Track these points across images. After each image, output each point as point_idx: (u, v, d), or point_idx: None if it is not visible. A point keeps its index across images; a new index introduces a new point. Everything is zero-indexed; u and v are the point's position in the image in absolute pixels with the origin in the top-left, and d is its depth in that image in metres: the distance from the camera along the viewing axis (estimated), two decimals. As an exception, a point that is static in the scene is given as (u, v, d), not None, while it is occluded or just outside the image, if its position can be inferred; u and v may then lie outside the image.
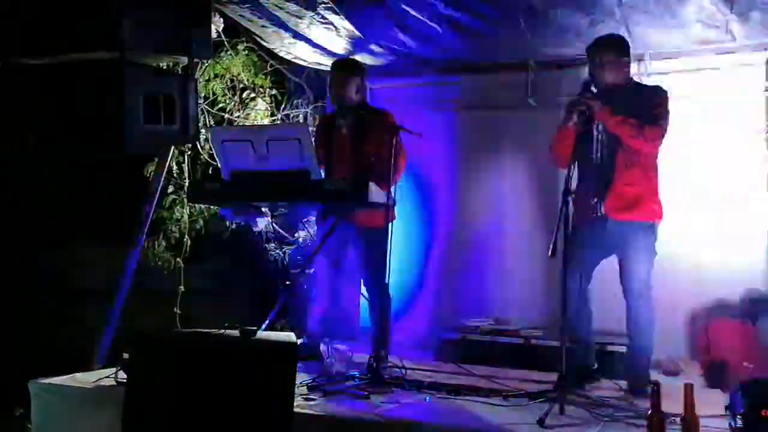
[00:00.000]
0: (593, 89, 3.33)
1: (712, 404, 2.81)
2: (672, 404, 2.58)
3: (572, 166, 3.17)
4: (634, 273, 3.30)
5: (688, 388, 2.38)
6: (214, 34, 4.06)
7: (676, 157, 4.11)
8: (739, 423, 2.45)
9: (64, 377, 3.27)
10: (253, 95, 4.78)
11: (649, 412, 2.45)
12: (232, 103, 4.72)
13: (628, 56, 3.39)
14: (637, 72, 4.20)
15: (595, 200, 3.27)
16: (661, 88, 3.46)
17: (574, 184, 3.14)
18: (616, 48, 3.36)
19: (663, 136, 3.30)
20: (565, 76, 4.19)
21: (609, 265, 3.42)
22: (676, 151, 4.08)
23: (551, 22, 3.88)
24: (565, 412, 2.82)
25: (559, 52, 4.12)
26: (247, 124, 4.69)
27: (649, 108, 3.29)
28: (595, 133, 3.31)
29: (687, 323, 3.98)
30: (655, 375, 3.36)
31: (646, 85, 3.48)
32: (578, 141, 3.22)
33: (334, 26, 4.22)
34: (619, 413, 2.86)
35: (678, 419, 2.45)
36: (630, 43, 3.50)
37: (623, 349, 3.55)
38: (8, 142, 2.83)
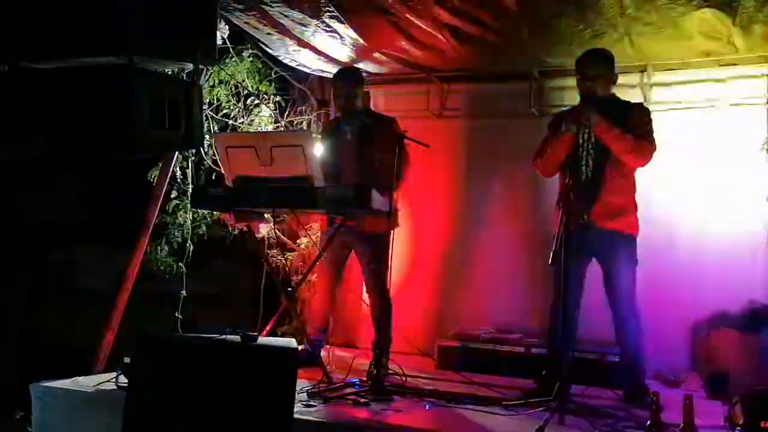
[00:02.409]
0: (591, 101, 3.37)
1: (712, 415, 2.81)
2: (672, 415, 2.58)
3: (567, 176, 3.21)
4: (619, 282, 3.35)
5: (688, 399, 2.39)
6: (219, 41, 4.08)
7: (678, 168, 4.13)
8: (739, 434, 2.45)
9: (66, 380, 3.28)
10: (257, 102, 4.80)
11: (648, 422, 2.45)
12: (237, 110, 4.74)
13: (614, 71, 3.42)
14: (639, 83, 4.24)
15: (582, 208, 3.30)
16: (644, 105, 3.50)
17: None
18: (605, 62, 3.39)
19: (654, 152, 3.35)
20: (568, 86, 4.21)
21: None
22: (677, 163, 4.11)
23: (554, 32, 3.90)
24: (564, 421, 2.82)
25: (562, 62, 4.14)
26: (251, 130, 4.71)
27: (637, 124, 3.35)
28: (583, 142, 3.34)
29: (688, 334, 3.98)
30: (655, 386, 3.36)
31: (629, 101, 3.52)
32: (570, 151, 3.27)
33: (339, 34, 4.25)
34: (618, 423, 2.86)
35: (677, 430, 2.45)
36: (633, 55, 3.52)
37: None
38: (17, 144, 2.85)
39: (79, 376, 3.40)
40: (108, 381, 3.21)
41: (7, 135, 2.87)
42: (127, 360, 2.95)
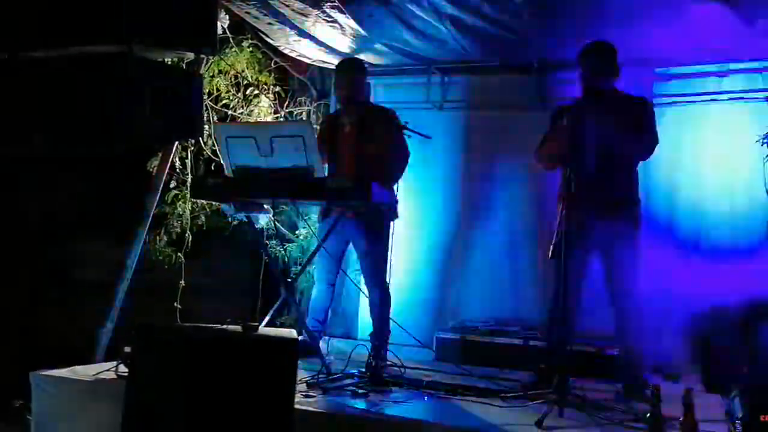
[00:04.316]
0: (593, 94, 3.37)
1: (711, 409, 2.82)
2: (671, 408, 2.58)
3: (569, 169, 3.20)
4: (620, 275, 3.35)
5: (688, 393, 2.39)
6: (219, 31, 4.06)
7: (679, 162, 4.13)
8: (739, 428, 2.45)
9: (65, 370, 3.27)
10: (256, 92, 4.78)
11: (648, 415, 2.46)
12: (236, 100, 4.72)
13: (617, 63, 3.40)
14: (641, 76, 4.22)
15: (584, 201, 3.29)
16: (646, 98, 3.50)
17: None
18: (608, 54, 3.38)
19: (656, 145, 3.36)
20: (570, 79, 4.19)
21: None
22: (678, 156, 4.11)
23: (556, 25, 3.89)
24: (563, 414, 2.82)
25: (564, 54, 4.12)
26: (250, 121, 4.69)
27: (640, 117, 3.35)
28: (585, 136, 3.34)
29: (688, 328, 3.99)
30: (654, 379, 3.37)
31: (631, 95, 3.51)
32: (571, 143, 3.27)
33: (339, 25, 4.22)
34: (617, 416, 2.86)
35: (677, 423, 2.46)
36: (636, 48, 3.51)
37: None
38: (15, 142, 2.83)
39: (79, 365, 3.39)
40: (108, 370, 3.21)
41: (6, 128, 2.85)
42: (127, 349, 2.95)
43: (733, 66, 4.07)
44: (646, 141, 3.32)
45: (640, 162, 3.43)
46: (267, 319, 3.68)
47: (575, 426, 2.75)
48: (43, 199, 4.75)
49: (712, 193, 4.07)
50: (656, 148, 3.37)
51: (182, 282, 4.42)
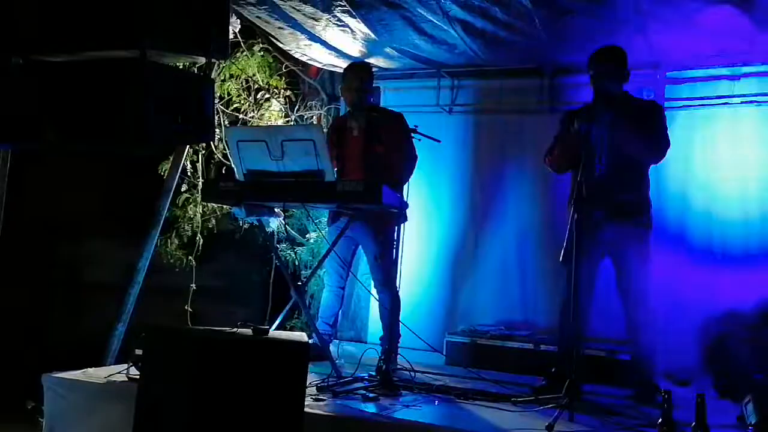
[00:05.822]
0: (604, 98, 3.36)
1: (723, 414, 2.80)
2: (683, 413, 2.57)
3: (580, 173, 3.20)
4: (632, 280, 3.34)
5: (700, 398, 2.37)
6: (230, 35, 4.09)
7: (690, 165, 4.11)
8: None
9: (77, 372, 3.29)
10: (267, 96, 4.81)
11: (660, 420, 2.44)
12: (247, 104, 4.75)
13: (627, 67, 3.40)
14: (652, 80, 4.21)
15: (595, 205, 3.28)
16: (657, 102, 3.50)
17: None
18: (618, 58, 3.38)
19: (668, 148, 3.35)
20: (580, 83, 4.19)
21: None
22: (690, 159, 4.09)
23: (567, 29, 3.88)
24: (574, 419, 2.81)
25: (575, 59, 4.11)
26: (261, 124, 4.71)
27: (651, 121, 3.34)
28: (596, 140, 3.34)
29: (699, 332, 3.96)
30: (666, 384, 3.35)
31: (642, 99, 3.52)
32: (581, 148, 3.26)
33: (350, 29, 4.24)
34: (629, 421, 2.85)
35: (689, 429, 2.44)
36: (647, 51, 3.50)
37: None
38: (27, 138, 2.86)
39: (90, 367, 3.41)
40: (119, 372, 3.23)
41: (17, 128, 2.87)
42: (138, 352, 2.96)
43: (745, 69, 4.05)
44: (658, 144, 3.32)
45: (652, 166, 3.43)
46: (277, 322, 3.69)
47: (586, 431, 2.74)
48: (49, 200, 4.78)
49: (724, 196, 4.05)
50: (667, 152, 3.36)
51: (193, 285, 4.44)
